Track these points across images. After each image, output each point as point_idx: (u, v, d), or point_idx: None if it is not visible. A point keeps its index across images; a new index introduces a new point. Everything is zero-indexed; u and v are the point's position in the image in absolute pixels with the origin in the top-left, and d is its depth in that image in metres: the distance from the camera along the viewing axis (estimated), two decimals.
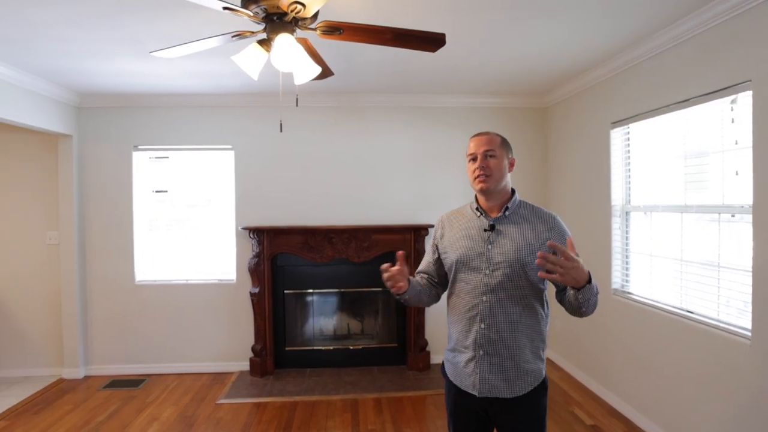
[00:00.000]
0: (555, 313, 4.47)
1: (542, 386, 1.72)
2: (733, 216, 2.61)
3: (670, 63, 2.94)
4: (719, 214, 2.67)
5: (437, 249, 1.88)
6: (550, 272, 1.46)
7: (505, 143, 1.75)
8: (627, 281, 3.50)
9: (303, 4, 1.74)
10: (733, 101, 2.60)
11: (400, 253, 1.73)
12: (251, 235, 4.36)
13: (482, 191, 1.73)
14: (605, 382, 3.69)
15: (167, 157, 4.54)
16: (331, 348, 4.62)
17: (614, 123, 3.52)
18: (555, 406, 3.59)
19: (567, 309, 1.65)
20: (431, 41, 2.07)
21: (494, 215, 1.75)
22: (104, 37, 2.88)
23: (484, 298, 1.67)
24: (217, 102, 4.41)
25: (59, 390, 4.10)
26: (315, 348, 4.62)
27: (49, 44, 3.02)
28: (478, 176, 1.71)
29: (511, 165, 1.77)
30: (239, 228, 4.46)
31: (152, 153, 4.51)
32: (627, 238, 3.51)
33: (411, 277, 1.79)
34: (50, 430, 3.38)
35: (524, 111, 4.68)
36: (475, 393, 1.69)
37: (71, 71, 3.60)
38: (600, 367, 3.77)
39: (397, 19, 2.62)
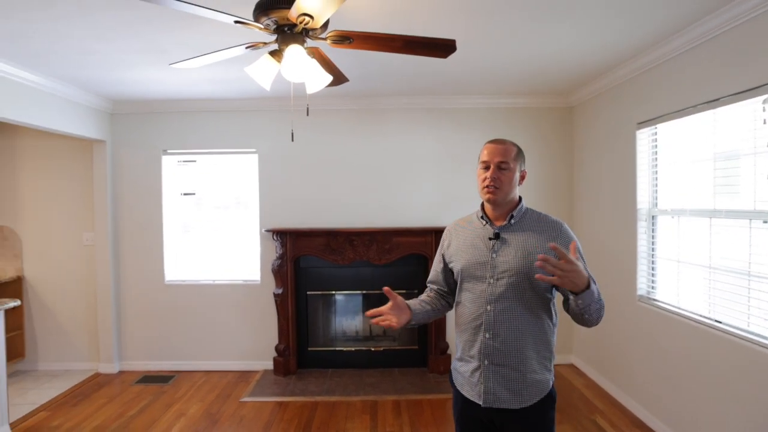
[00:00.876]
0: None
1: (549, 397, 1.71)
2: (765, 222, 2.49)
3: (699, 61, 2.82)
4: (750, 220, 2.55)
5: (444, 258, 1.89)
6: (549, 275, 1.44)
7: (519, 154, 1.74)
8: (653, 288, 3.39)
9: (311, 16, 1.76)
10: (765, 101, 2.47)
11: (385, 289, 1.72)
12: (274, 237, 4.45)
13: (489, 201, 1.73)
14: (630, 391, 3.59)
15: (194, 161, 4.68)
16: (353, 349, 4.67)
17: (640, 123, 3.40)
18: (577, 414, 3.52)
19: (572, 317, 1.62)
20: (441, 48, 2.07)
21: (499, 224, 1.74)
22: (128, 47, 3.00)
23: (489, 307, 1.67)
24: (241, 107, 4.51)
25: (96, 384, 4.31)
26: (337, 349, 4.67)
27: (79, 56, 3.17)
28: (487, 186, 1.70)
29: (522, 178, 1.76)
30: (263, 230, 4.56)
31: (180, 157, 4.67)
32: (653, 243, 3.39)
33: (410, 302, 1.80)
34: (86, 421, 3.55)
35: (548, 111, 4.58)
36: (480, 403, 1.69)
37: (102, 80, 3.76)
38: (625, 375, 3.66)
39: (411, 24, 2.62)
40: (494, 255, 1.69)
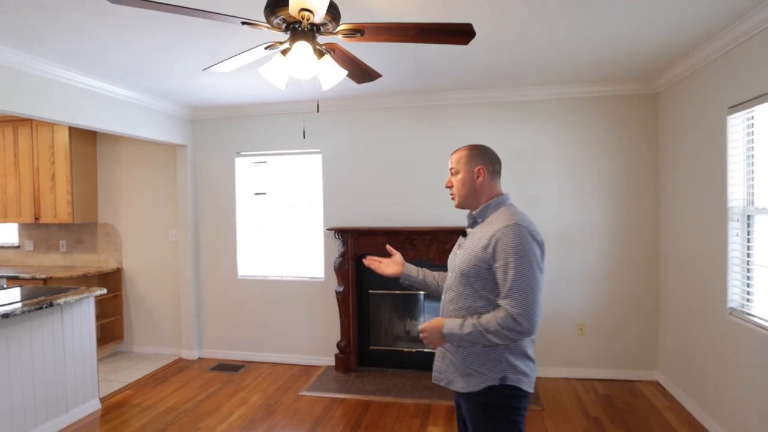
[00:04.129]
0: (667, 332, 3.87)
1: (499, 390, 1.64)
2: None
3: None
4: None
5: None
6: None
7: (470, 155, 1.77)
8: (748, 300, 2.87)
9: (311, 11, 1.73)
10: None
11: (387, 246, 2.13)
12: (336, 236, 4.52)
13: (457, 207, 1.84)
14: (718, 417, 3.08)
15: (265, 162, 4.92)
16: (414, 350, 4.58)
17: (732, 108, 2.90)
18: None
19: None
20: (459, 33, 1.92)
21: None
22: (186, 56, 3.21)
23: (444, 296, 1.83)
24: (305, 108, 4.62)
25: (177, 368, 4.71)
26: (397, 349, 4.62)
27: (151, 67, 3.46)
28: (451, 194, 1.84)
29: (478, 174, 1.75)
30: (325, 228, 4.65)
31: (253, 158, 4.93)
32: (749, 247, 2.87)
33: (411, 266, 2.04)
34: (161, 401, 3.89)
35: (630, 99, 4.10)
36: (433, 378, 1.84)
37: (177, 90, 4.09)
38: (712, 398, 3.15)
39: (463, 7, 2.47)
40: (458, 251, 1.79)
